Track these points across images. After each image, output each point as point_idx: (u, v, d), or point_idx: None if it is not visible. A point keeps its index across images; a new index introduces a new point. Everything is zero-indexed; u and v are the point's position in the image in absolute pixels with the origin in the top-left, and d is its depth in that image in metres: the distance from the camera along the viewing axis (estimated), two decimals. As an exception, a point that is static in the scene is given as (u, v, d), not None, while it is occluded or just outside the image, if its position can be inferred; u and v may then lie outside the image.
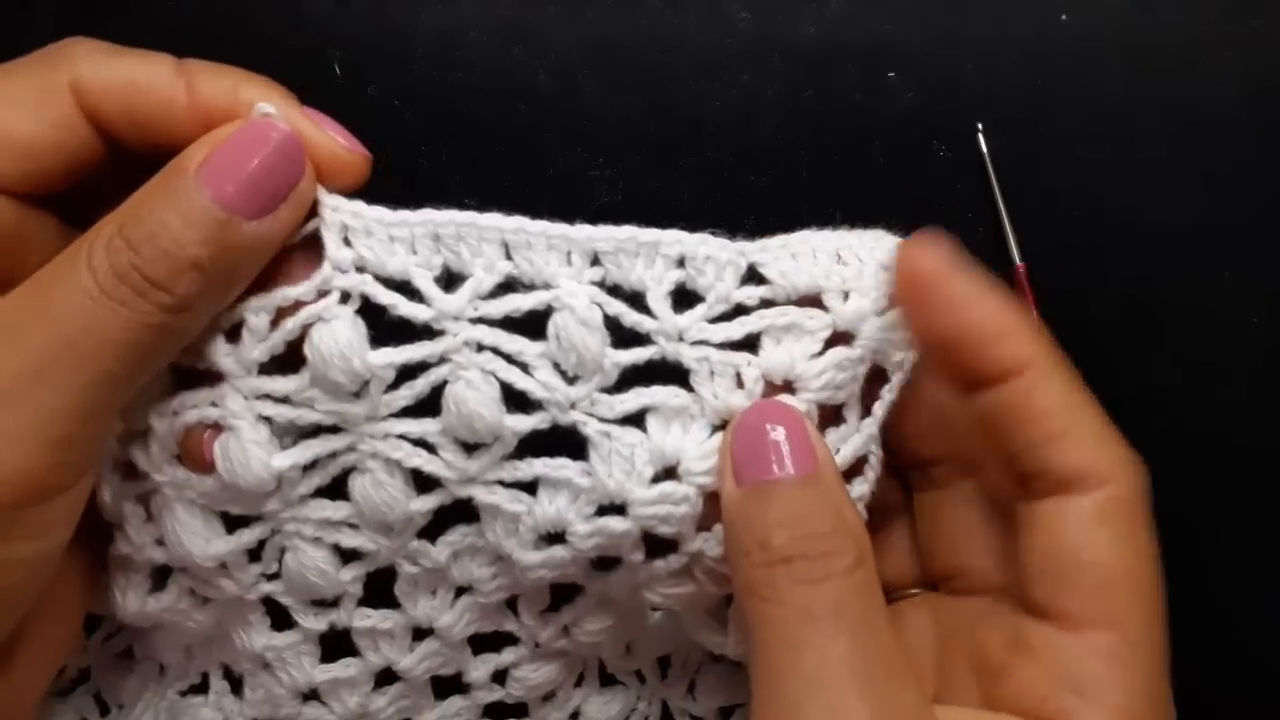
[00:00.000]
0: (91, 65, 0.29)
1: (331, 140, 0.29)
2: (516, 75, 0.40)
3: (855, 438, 0.31)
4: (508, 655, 0.35)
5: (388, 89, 0.40)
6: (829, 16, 0.41)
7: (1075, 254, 0.41)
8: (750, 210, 0.41)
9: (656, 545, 0.31)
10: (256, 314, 0.29)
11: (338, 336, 0.29)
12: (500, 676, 0.35)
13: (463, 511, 0.32)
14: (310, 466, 0.31)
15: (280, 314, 0.29)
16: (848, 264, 0.31)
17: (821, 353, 0.30)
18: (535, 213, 0.32)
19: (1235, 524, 0.41)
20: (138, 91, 0.28)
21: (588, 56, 0.40)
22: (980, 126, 0.40)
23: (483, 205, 0.33)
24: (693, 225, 0.38)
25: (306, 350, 0.29)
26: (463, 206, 0.32)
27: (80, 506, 0.29)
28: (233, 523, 0.31)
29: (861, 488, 0.31)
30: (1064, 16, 0.41)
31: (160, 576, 0.32)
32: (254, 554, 0.32)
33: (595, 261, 0.30)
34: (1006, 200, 0.40)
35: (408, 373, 0.30)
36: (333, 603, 0.33)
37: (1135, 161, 0.41)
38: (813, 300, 0.31)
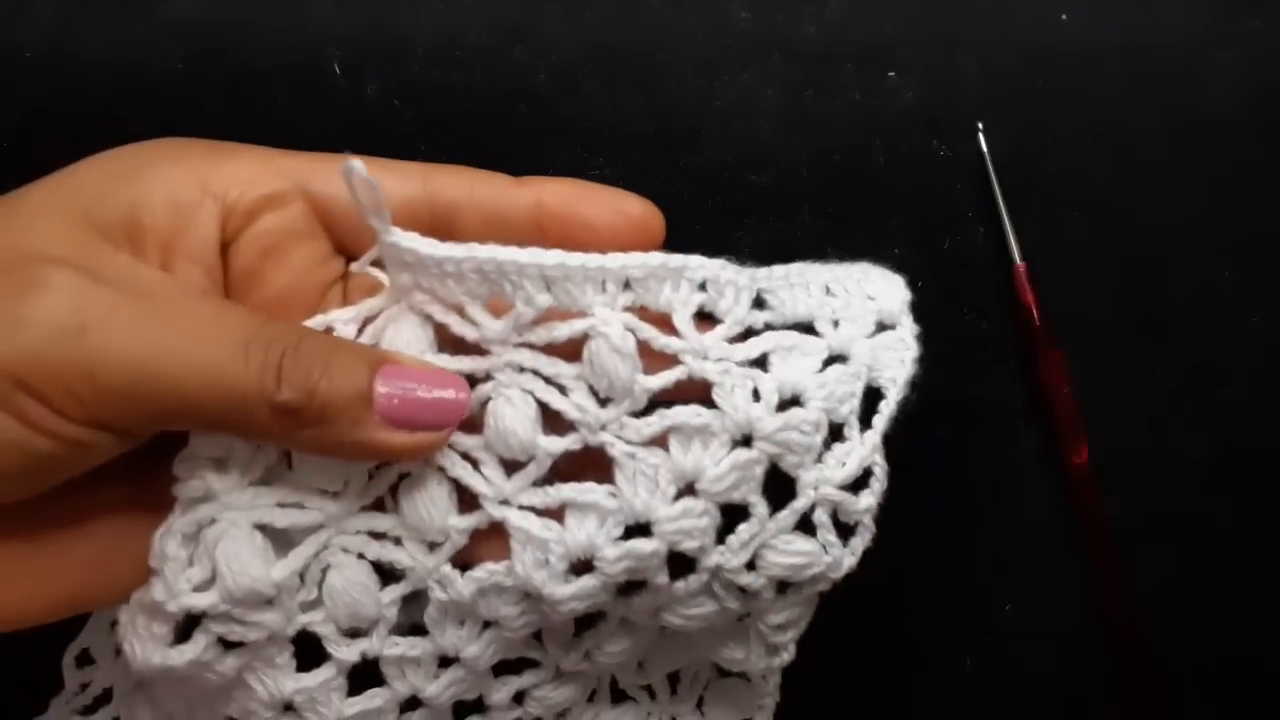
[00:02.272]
0: (445, 182, 0.33)
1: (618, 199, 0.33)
2: (516, 75, 0.40)
3: (859, 450, 0.32)
4: (528, 677, 0.36)
5: (388, 89, 0.40)
6: (829, 16, 0.41)
7: (1075, 254, 0.41)
8: (750, 210, 0.41)
9: (678, 566, 0.32)
10: (345, 324, 0.32)
11: (401, 335, 0.31)
12: (519, 696, 0.36)
13: None
14: (371, 474, 0.32)
15: (365, 323, 0.32)
16: (836, 295, 0.33)
17: (821, 370, 0.32)
18: None
19: (1236, 524, 0.41)
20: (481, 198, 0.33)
21: (588, 56, 0.40)
22: (980, 126, 0.40)
23: None
24: (692, 225, 0.40)
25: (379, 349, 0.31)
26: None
27: (96, 459, 0.29)
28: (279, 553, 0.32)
29: (869, 499, 0.32)
30: (1064, 16, 0.41)
31: (182, 631, 0.32)
32: (300, 578, 0.33)
33: (626, 286, 0.31)
34: (1007, 200, 0.40)
35: None
36: (364, 631, 0.33)
37: (1135, 161, 0.41)
38: (807, 328, 0.33)
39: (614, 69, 0.40)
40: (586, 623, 0.34)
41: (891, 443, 0.33)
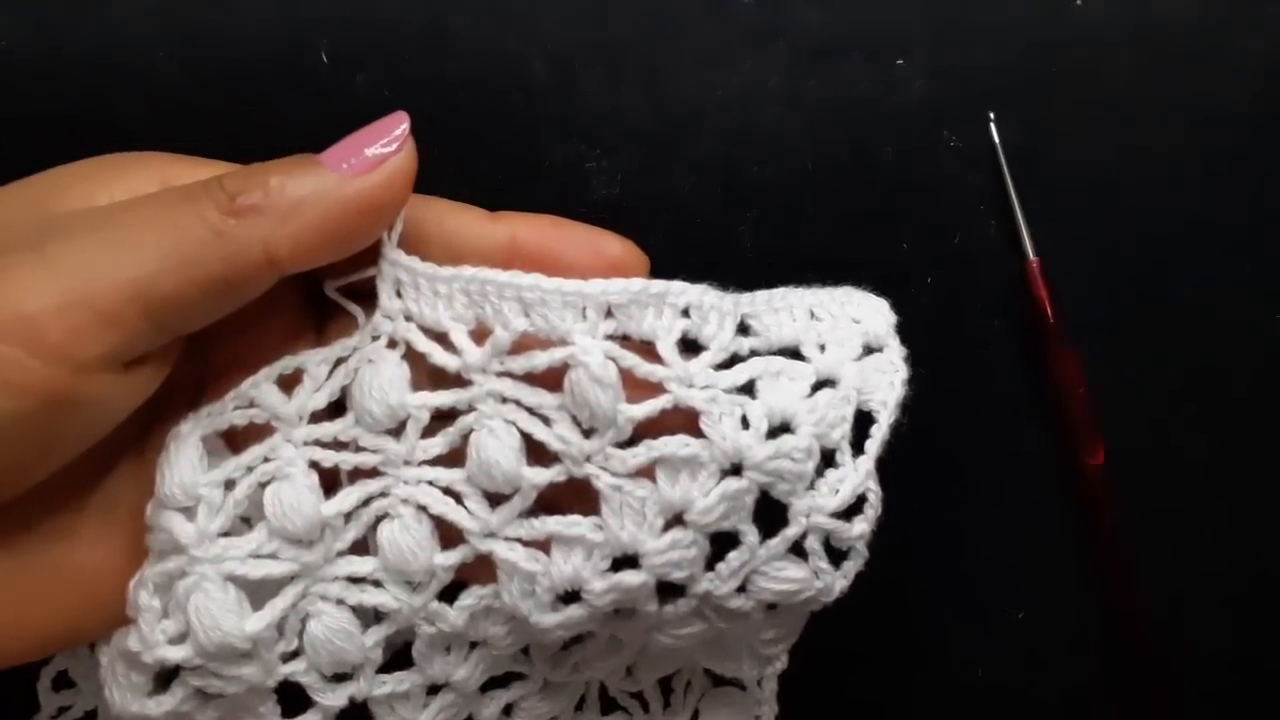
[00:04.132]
0: (415, 213, 0.32)
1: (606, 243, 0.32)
2: (510, 65, 0.40)
3: (852, 477, 0.32)
4: (516, 690, 0.36)
5: (377, 79, 0.39)
6: (834, 3, 0.40)
7: (1090, 247, 0.41)
8: (753, 204, 0.40)
9: (667, 591, 0.32)
10: (317, 364, 0.32)
11: (381, 375, 0.31)
12: (508, 709, 0.36)
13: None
14: (349, 517, 0.32)
15: (338, 363, 0.32)
16: (821, 319, 0.33)
17: (810, 396, 0.32)
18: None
19: (1236, 525, 0.41)
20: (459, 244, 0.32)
21: (584, 46, 0.40)
22: (992, 115, 0.40)
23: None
24: (693, 219, 0.40)
25: (353, 388, 0.31)
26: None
27: (95, 417, 0.29)
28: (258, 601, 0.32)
29: (862, 526, 0.32)
30: (1078, 2, 0.40)
31: (162, 679, 0.32)
32: (277, 630, 0.32)
33: (608, 313, 0.31)
34: (1019, 192, 0.40)
35: (443, 425, 0.32)
36: (350, 675, 0.33)
37: (1152, 152, 0.41)
38: (793, 353, 0.33)
39: (612, 58, 0.40)
40: (575, 637, 0.34)
41: (899, 445, 0.33)
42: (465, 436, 0.31)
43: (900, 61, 0.40)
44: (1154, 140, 0.41)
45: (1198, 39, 0.41)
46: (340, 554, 0.32)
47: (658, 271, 0.32)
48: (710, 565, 0.31)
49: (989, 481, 0.41)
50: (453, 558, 0.32)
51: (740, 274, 0.33)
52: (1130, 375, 0.41)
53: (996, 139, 0.40)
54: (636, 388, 0.31)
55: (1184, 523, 0.41)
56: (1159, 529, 0.41)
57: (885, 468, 0.32)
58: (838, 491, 0.32)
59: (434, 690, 0.34)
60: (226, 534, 0.31)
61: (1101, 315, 0.41)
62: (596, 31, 0.40)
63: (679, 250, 0.37)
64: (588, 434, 0.31)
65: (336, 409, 0.32)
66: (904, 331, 0.33)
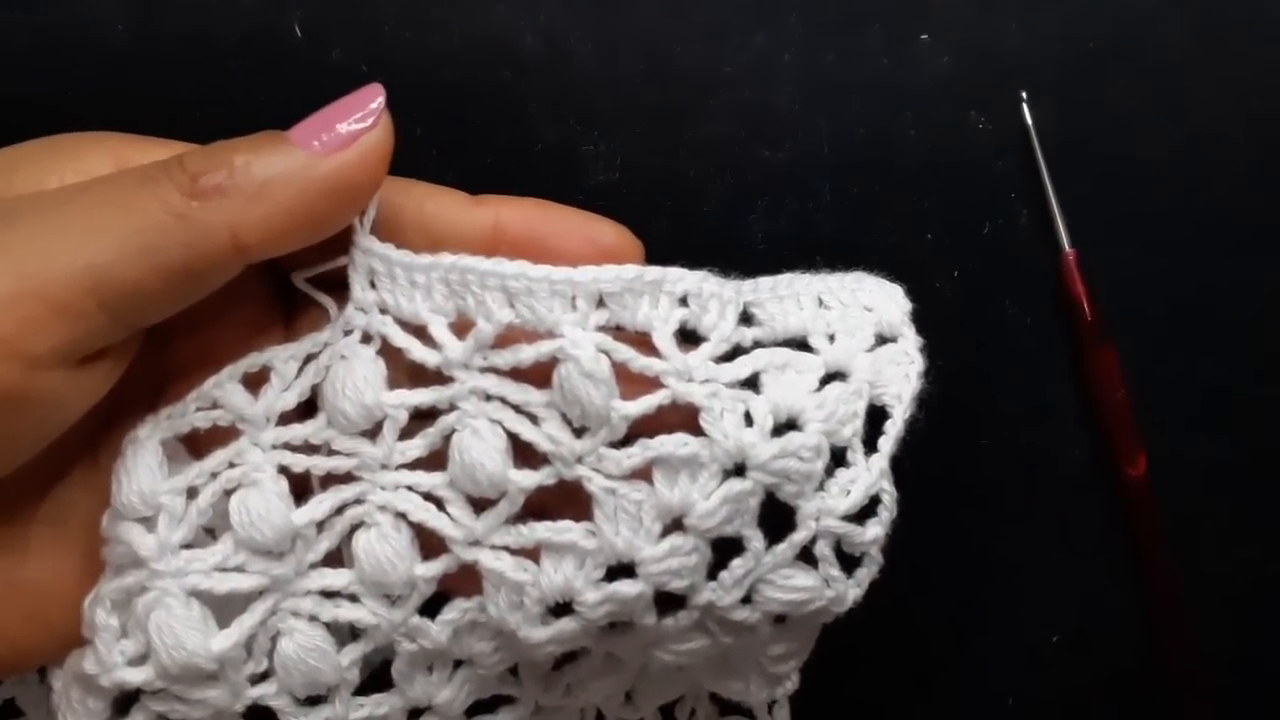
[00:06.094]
0: (392, 197, 0.32)
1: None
2: (500, 37, 0.39)
3: (864, 476, 0.32)
4: (504, 715, 0.36)
5: (354, 53, 0.39)
6: (853, -30, 0.40)
7: (1131, 239, 0.40)
8: (764, 190, 0.39)
9: (666, 602, 0.31)
10: (285, 361, 0.31)
11: (355, 372, 0.31)
12: None
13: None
14: (321, 526, 0.32)
15: (308, 360, 0.32)
16: (830, 307, 0.33)
17: (819, 390, 0.32)
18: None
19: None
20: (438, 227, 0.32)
21: (579, 16, 0.39)
22: (1024, 95, 0.39)
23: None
24: (699, 207, 0.39)
25: (324, 387, 0.31)
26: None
27: (66, 404, 0.28)
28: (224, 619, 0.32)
29: (875, 529, 0.32)
30: (1118, -31, 0.40)
31: (121, 704, 0.32)
32: (245, 649, 0.32)
33: (600, 303, 0.31)
34: (1054, 178, 0.39)
35: (423, 425, 0.32)
36: (325, 698, 0.33)
37: (1200, 135, 0.39)
38: (800, 344, 0.32)
39: (610, 30, 0.39)
40: (568, 655, 0.34)
41: (916, 446, 0.32)
42: (447, 438, 0.31)
43: (925, 36, 0.39)
44: (1202, 123, 0.40)
45: (1254, 12, 0.40)
46: (313, 566, 0.31)
47: (660, 263, 0.31)
48: (712, 574, 0.31)
49: (1015, 490, 0.40)
50: (435, 568, 0.31)
51: (749, 266, 0.33)
52: (1185, 377, 0.40)
53: (1029, 120, 0.39)
54: (631, 383, 0.30)
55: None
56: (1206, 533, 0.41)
57: (900, 468, 0.32)
58: (849, 493, 0.31)
59: (415, 714, 0.34)
60: (189, 546, 0.30)
61: (1142, 312, 0.40)
62: (593, 1, 0.39)
63: (683, 240, 0.36)
64: (579, 433, 0.31)
65: (307, 409, 0.31)
66: (928, 329, 0.32)
